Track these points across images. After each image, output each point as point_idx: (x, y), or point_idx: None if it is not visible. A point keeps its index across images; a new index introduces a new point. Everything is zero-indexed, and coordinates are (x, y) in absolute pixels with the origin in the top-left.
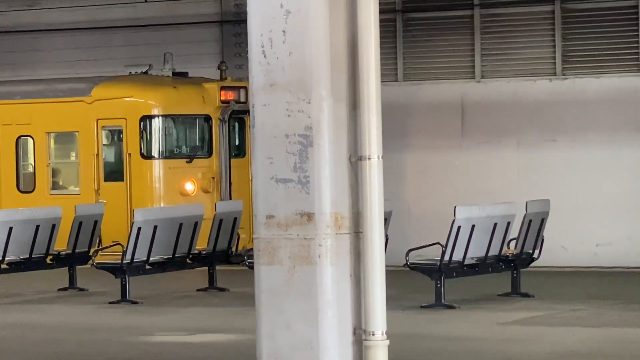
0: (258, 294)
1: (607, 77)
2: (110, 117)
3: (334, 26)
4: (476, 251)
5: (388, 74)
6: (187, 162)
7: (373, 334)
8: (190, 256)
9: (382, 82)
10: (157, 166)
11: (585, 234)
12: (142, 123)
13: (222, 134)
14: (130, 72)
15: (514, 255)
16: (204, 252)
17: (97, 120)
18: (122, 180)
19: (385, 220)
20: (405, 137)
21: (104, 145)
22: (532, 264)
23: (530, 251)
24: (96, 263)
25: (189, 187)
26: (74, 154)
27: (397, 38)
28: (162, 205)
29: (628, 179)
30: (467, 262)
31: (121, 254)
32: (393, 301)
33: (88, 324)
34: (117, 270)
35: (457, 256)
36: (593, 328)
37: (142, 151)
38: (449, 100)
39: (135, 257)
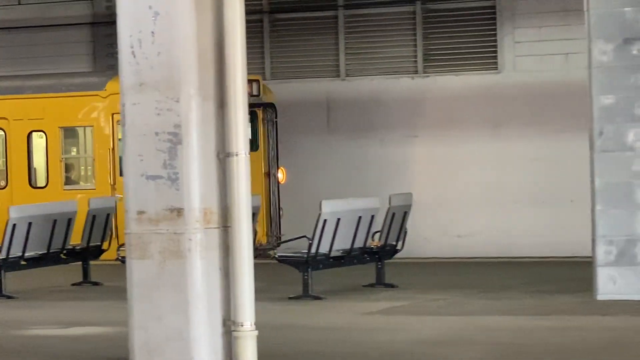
0: (130, 287)
1: (467, 74)
2: None
3: (201, 27)
4: (342, 243)
5: (255, 73)
6: None
7: (242, 325)
8: (65, 251)
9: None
10: None
11: (446, 226)
12: None
13: None
14: None
15: (378, 247)
16: (78, 247)
17: (112, 114)
18: None
19: (253, 215)
20: None
21: (120, 139)
22: (396, 256)
23: (394, 243)
24: None
25: None
26: (87, 149)
27: (264, 38)
28: None
29: (487, 172)
30: (333, 254)
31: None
32: (262, 293)
33: None
34: None
35: (324, 249)
36: (454, 316)
37: None
38: (315, 98)
39: (11, 253)
